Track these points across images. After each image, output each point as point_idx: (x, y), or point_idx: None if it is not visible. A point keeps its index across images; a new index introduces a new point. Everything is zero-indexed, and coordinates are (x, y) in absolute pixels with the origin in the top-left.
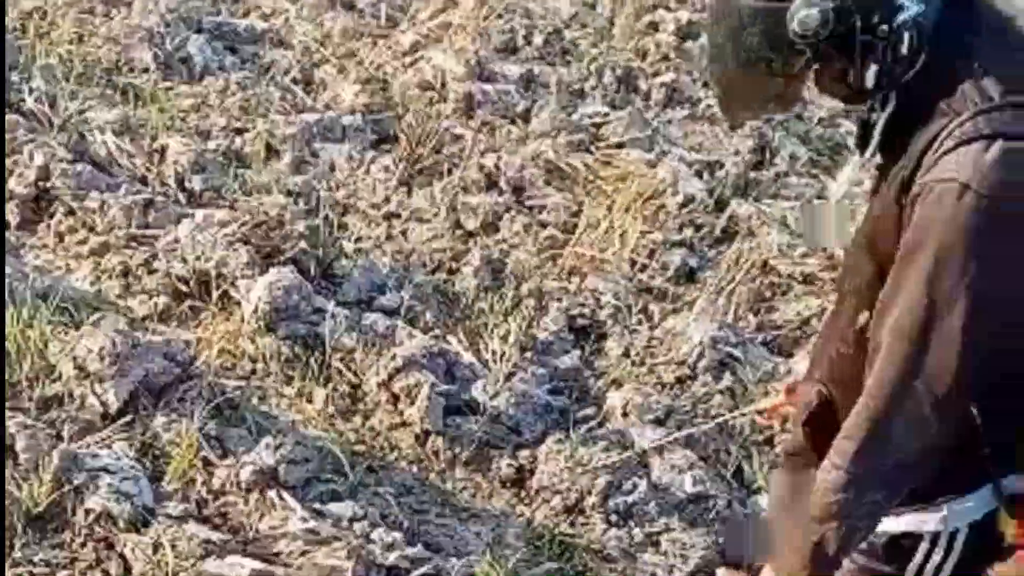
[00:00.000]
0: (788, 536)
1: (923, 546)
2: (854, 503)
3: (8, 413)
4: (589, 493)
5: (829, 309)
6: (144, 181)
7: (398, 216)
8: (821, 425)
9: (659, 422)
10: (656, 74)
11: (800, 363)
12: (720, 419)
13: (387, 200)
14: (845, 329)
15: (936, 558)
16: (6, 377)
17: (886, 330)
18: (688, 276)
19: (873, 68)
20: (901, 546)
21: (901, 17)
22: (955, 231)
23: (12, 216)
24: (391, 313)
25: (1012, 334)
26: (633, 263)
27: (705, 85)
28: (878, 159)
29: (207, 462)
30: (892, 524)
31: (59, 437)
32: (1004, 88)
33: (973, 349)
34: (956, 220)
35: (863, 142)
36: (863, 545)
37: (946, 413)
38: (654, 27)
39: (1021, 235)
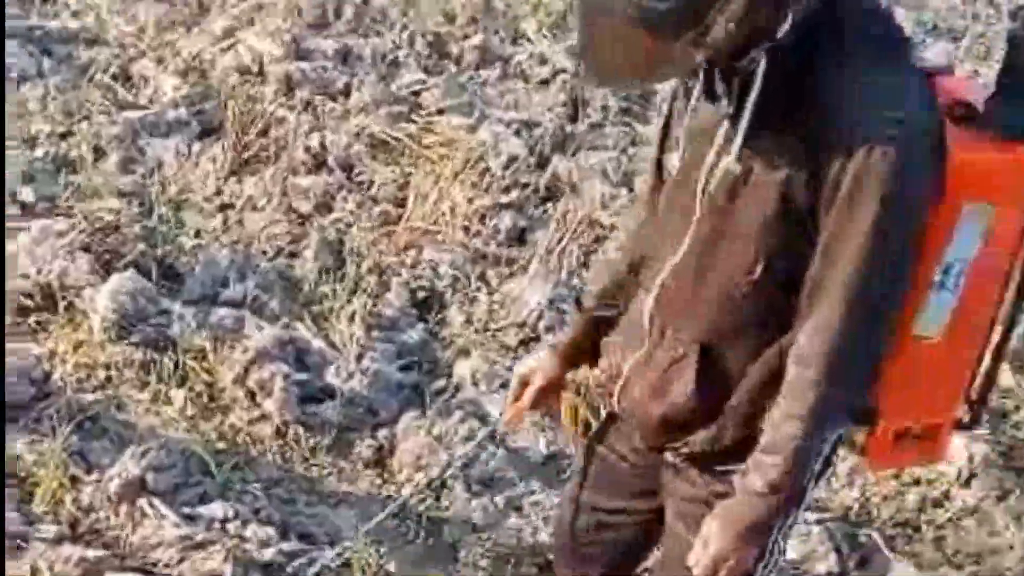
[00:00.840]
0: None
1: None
2: (813, 439)
3: None
4: (449, 466)
5: (667, 267)
6: None
7: (232, 206)
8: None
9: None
10: (466, 36)
11: None
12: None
13: (219, 191)
14: (730, 280)
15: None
16: None
17: (839, 273)
18: (519, 238)
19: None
20: None
21: None
22: (889, 162)
23: None
24: (237, 305)
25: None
26: (466, 230)
27: (514, 42)
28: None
29: (74, 479)
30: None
31: None
32: (895, 27)
33: (910, 271)
34: (887, 151)
35: (742, 93)
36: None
37: (888, 337)
38: None
39: (931, 153)
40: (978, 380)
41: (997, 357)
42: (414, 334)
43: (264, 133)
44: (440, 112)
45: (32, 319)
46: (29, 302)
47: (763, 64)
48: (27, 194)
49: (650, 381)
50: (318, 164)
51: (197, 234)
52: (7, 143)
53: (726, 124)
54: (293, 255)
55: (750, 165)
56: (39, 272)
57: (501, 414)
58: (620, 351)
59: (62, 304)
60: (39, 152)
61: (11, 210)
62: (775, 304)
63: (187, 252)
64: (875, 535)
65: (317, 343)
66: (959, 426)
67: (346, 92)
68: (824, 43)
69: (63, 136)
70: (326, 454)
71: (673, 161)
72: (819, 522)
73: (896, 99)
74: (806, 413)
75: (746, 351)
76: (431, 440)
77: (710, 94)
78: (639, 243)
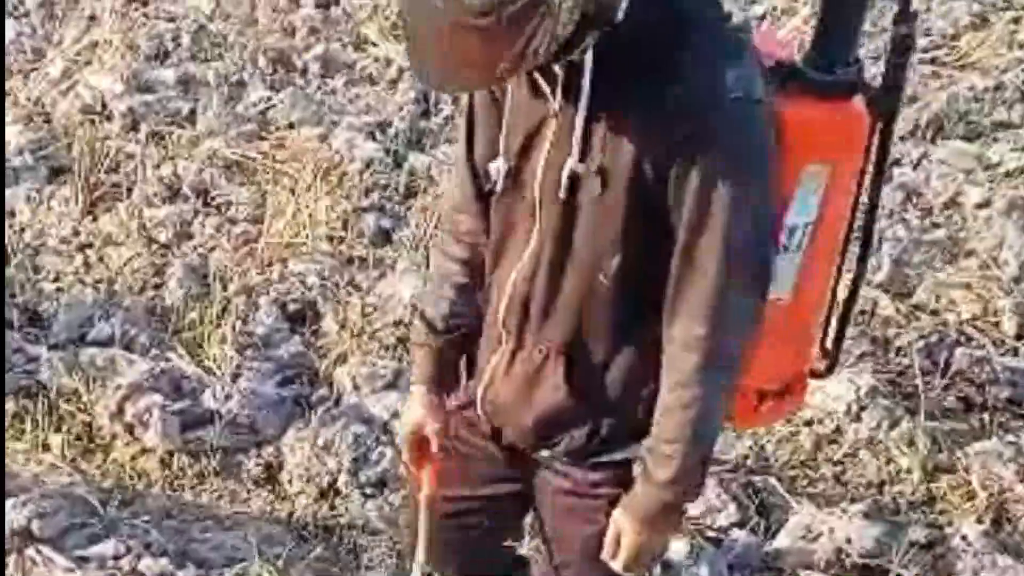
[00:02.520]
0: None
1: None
2: (707, 432)
3: None
4: (339, 472)
5: (515, 274)
6: None
7: (91, 245)
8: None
9: (391, 386)
10: (308, 48)
11: None
12: None
13: (76, 232)
14: (583, 282)
15: None
16: None
17: (703, 253)
18: (385, 238)
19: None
20: (627, 471)
21: None
22: (737, 137)
23: None
24: (105, 344)
25: None
26: (330, 239)
27: (357, 48)
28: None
29: None
30: (619, 453)
31: None
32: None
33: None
34: (745, 130)
35: (569, 85)
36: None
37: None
38: (296, 3)
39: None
40: (831, 332)
41: (848, 308)
42: (290, 347)
43: (114, 169)
44: (291, 126)
45: None
46: None
47: (590, 52)
48: None
49: (516, 388)
50: (173, 193)
51: (57, 277)
52: None
53: (556, 121)
54: (158, 286)
55: (593, 161)
56: None
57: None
58: (485, 355)
59: None
60: None
61: None
62: (635, 295)
63: (48, 296)
64: (772, 480)
65: (192, 369)
66: (816, 375)
67: (192, 119)
68: (656, 24)
69: None
70: (214, 478)
71: (497, 165)
72: (714, 475)
73: (738, 80)
74: (698, 397)
75: (611, 345)
76: (319, 450)
77: (533, 89)
78: (474, 252)
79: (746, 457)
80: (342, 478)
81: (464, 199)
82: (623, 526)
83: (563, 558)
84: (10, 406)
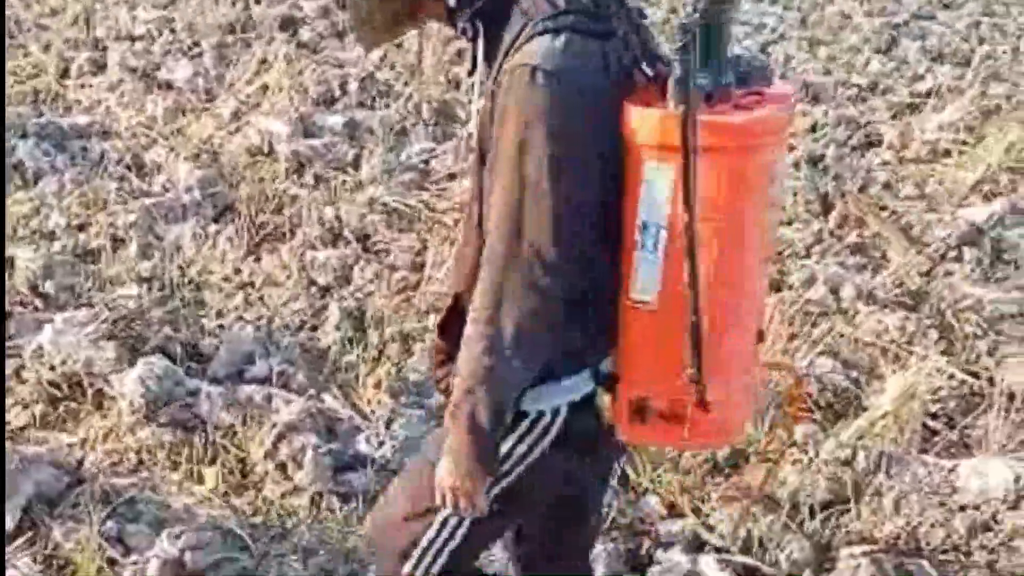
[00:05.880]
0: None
1: (524, 423)
2: (495, 368)
3: None
4: None
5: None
6: None
7: (252, 284)
8: (456, 327)
9: None
10: (470, 100)
11: None
12: None
13: (238, 271)
14: (469, 231)
15: (535, 433)
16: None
17: (492, 211)
18: None
19: None
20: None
21: None
22: (530, 109)
23: None
24: (263, 381)
25: (595, 206)
26: None
27: None
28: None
29: (112, 562)
30: None
31: None
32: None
33: (566, 217)
34: (530, 99)
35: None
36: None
37: (557, 280)
38: (459, 56)
39: (585, 109)
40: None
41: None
42: (440, 397)
43: (278, 211)
44: (451, 177)
45: (62, 408)
46: (58, 392)
47: (480, 28)
48: (48, 287)
49: None
50: (334, 237)
51: (219, 314)
52: (24, 238)
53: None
54: (315, 328)
55: (478, 121)
56: (65, 362)
57: None
58: None
59: (90, 392)
60: (57, 246)
61: (34, 303)
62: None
63: (210, 332)
64: (924, 563)
65: (345, 412)
66: (701, 406)
67: (356, 164)
68: (511, 10)
69: (80, 228)
70: (361, 522)
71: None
72: (865, 554)
73: (546, 53)
74: (476, 338)
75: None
76: None
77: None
78: None
79: (897, 537)
80: None
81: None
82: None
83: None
84: (168, 437)
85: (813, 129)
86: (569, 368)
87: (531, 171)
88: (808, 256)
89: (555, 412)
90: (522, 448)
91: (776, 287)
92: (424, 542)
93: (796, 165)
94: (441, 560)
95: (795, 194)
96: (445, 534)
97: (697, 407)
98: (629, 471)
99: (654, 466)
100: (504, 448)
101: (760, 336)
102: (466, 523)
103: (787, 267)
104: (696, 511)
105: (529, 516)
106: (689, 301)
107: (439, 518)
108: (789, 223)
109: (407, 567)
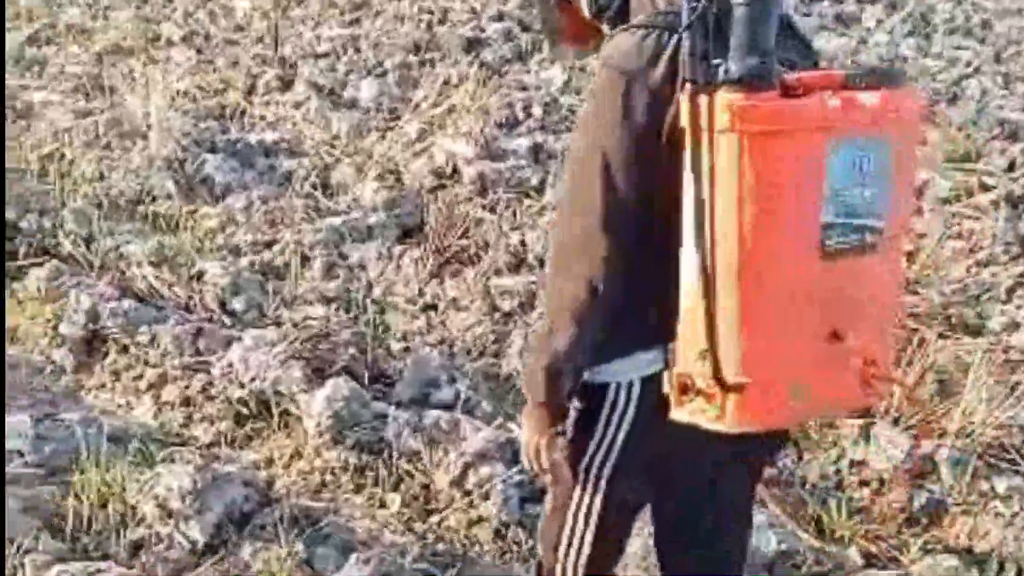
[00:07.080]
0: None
1: (609, 394)
2: (546, 336)
3: (100, 564)
4: None
5: None
6: (188, 308)
7: (435, 307)
8: None
9: None
10: None
11: None
12: None
13: (421, 293)
14: None
15: (620, 404)
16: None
17: (563, 187)
18: None
19: None
20: (594, 394)
21: None
22: (598, 98)
23: (67, 360)
24: (449, 407)
25: (652, 197)
26: None
27: None
28: None
29: None
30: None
31: None
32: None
33: (615, 200)
34: (599, 88)
35: None
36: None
37: (610, 259)
38: None
39: (646, 102)
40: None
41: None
42: None
43: (464, 234)
44: None
45: (248, 426)
46: (245, 410)
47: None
48: (237, 304)
49: None
50: (519, 262)
51: (403, 336)
52: (211, 252)
53: None
54: (496, 354)
55: None
56: (253, 380)
57: None
58: None
59: (276, 411)
60: (244, 262)
61: (223, 320)
62: None
63: (395, 355)
64: None
65: None
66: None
67: (540, 189)
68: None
69: (267, 245)
70: None
71: None
72: None
73: (617, 48)
74: (546, 309)
75: None
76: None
77: None
78: None
79: None
80: None
81: None
82: None
83: None
84: (353, 460)
85: (1011, 168)
86: (640, 345)
87: (587, 154)
88: (1009, 301)
89: (629, 385)
90: (608, 421)
91: (976, 332)
92: (567, 530)
93: (995, 205)
94: (585, 551)
95: (994, 235)
96: (581, 522)
97: (721, 386)
98: (824, 516)
99: (849, 514)
100: (587, 423)
101: (836, 336)
102: (595, 509)
103: (985, 311)
104: (894, 560)
105: (652, 497)
106: (713, 284)
107: (571, 507)
108: (986, 265)
109: (559, 557)
